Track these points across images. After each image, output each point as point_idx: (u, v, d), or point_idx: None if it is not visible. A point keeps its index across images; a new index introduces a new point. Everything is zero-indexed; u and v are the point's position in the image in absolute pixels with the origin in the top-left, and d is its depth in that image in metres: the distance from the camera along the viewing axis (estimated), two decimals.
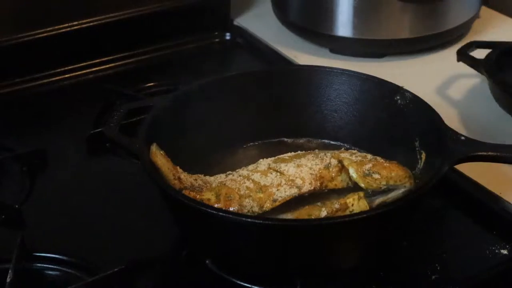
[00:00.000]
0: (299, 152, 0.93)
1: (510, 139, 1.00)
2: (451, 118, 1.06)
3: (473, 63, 1.14)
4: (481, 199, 0.94)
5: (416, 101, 0.93)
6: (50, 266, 0.86)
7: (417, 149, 0.90)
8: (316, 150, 0.94)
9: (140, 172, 0.85)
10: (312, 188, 0.86)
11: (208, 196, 0.83)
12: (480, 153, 0.84)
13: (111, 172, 1.02)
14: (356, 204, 0.84)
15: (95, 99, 1.16)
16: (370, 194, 0.86)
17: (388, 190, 0.86)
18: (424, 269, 0.85)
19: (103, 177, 1.01)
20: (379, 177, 0.86)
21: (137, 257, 0.86)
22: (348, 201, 0.84)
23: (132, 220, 0.93)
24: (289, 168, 0.87)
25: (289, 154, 0.92)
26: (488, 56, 1.13)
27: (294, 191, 0.85)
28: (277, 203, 0.84)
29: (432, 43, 1.27)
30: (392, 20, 1.23)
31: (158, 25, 1.31)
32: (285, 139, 1.01)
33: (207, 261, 0.84)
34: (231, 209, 0.82)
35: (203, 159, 0.95)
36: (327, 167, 0.88)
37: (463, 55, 1.15)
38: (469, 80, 1.19)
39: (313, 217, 0.82)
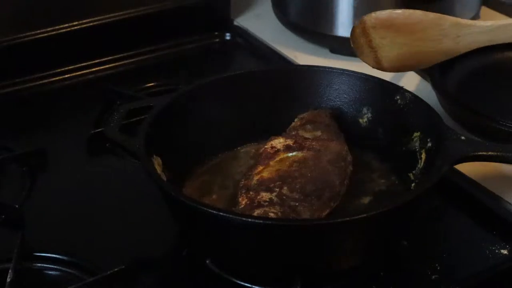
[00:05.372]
0: None
1: None
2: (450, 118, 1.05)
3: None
4: (481, 199, 0.94)
5: (416, 101, 0.93)
6: (50, 266, 0.86)
7: (417, 149, 0.90)
8: None
9: (140, 172, 0.85)
10: None
11: None
12: (480, 153, 0.84)
13: (111, 172, 1.02)
14: None
15: (95, 99, 1.16)
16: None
17: None
18: (424, 269, 0.85)
19: (103, 177, 1.01)
20: None
21: (137, 257, 0.86)
22: None
23: (132, 220, 0.93)
24: None
25: None
26: None
27: None
28: None
29: None
30: None
31: (158, 25, 1.31)
32: None
33: (207, 261, 0.84)
34: None
35: (203, 159, 0.95)
36: None
37: None
38: None
39: None
